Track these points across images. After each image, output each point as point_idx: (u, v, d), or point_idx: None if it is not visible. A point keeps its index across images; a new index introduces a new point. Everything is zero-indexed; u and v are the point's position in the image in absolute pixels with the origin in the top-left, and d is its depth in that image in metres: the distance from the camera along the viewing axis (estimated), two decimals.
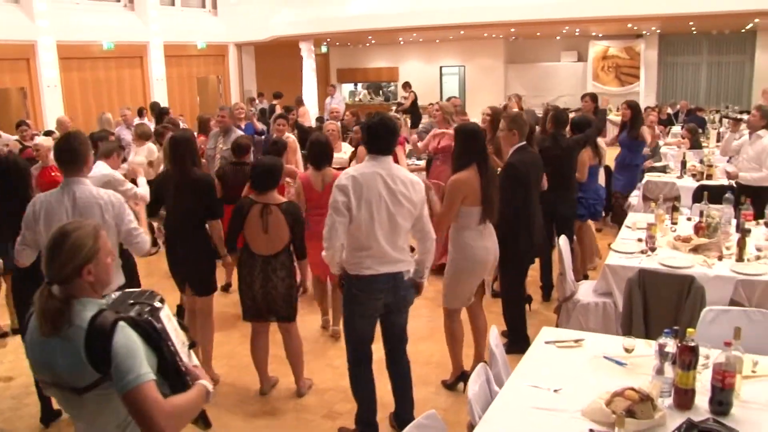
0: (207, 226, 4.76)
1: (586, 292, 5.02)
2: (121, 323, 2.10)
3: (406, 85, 17.45)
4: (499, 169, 5.02)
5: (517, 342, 4.93)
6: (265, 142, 8.19)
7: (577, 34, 19.01)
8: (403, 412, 4.08)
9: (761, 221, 5.50)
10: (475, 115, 8.32)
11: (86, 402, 2.15)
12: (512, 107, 9.19)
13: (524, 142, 5.03)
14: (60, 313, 2.10)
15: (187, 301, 5.01)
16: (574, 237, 6.45)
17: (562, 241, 5.04)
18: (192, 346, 2.45)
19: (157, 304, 2.25)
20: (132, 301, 2.24)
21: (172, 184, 4.70)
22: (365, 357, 3.98)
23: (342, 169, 4.73)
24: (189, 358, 2.40)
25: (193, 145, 4.85)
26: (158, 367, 2.16)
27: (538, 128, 6.40)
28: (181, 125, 11.33)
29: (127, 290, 2.37)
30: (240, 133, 7.62)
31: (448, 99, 8.93)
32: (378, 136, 3.76)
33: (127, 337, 2.09)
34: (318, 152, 5.25)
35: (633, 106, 7.84)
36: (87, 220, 2.34)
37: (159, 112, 10.23)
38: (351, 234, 3.72)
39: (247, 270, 4.49)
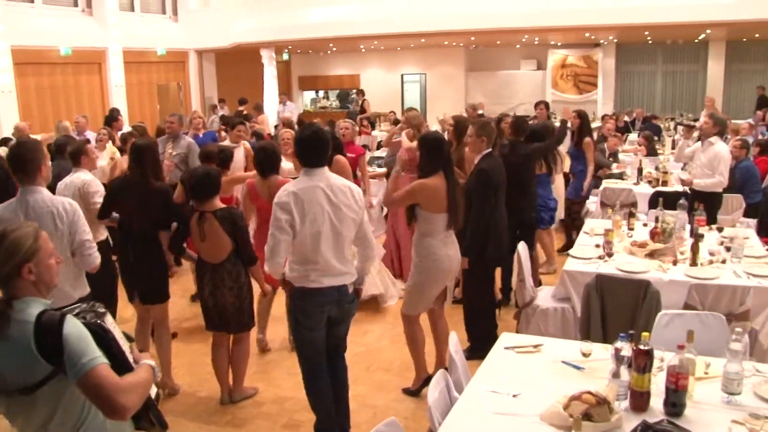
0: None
1: (545, 297, 5.09)
2: (70, 316, 2.14)
3: (360, 93, 17.36)
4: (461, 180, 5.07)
5: (482, 349, 4.96)
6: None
7: (536, 42, 19.26)
8: (339, 416, 4.05)
9: (714, 226, 5.64)
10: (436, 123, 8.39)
11: (38, 401, 2.15)
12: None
13: (491, 149, 5.10)
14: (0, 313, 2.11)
15: (137, 310, 4.92)
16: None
17: (521, 247, 5.10)
18: None
19: (101, 310, 2.32)
20: (77, 312, 2.27)
21: (129, 191, 4.64)
22: (319, 367, 3.93)
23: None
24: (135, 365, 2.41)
25: (154, 154, 4.79)
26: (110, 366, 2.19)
27: None
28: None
29: (67, 307, 2.35)
30: (190, 140, 7.62)
31: (408, 110, 8.99)
32: (311, 148, 3.70)
33: (77, 327, 2.13)
34: (263, 160, 5.06)
35: (582, 116, 7.91)
36: (28, 222, 2.34)
37: (109, 117, 9.92)
38: (296, 248, 3.67)
39: (199, 278, 4.51)
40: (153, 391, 2.38)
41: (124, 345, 2.34)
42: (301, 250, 3.65)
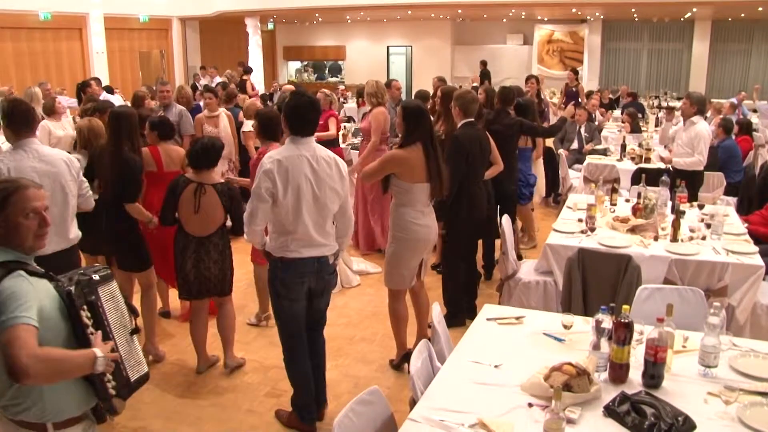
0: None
1: (527, 270, 5.12)
2: (20, 272, 2.11)
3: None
4: None
5: (453, 316, 5.04)
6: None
7: (523, 17, 19.20)
8: (317, 389, 4.05)
9: (695, 203, 5.70)
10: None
11: None
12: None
13: (471, 119, 5.14)
14: None
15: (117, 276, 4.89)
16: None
17: (505, 220, 5.12)
18: (134, 332, 2.43)
19: (96, 277, 2.28)
20: (76, 274, 2.27)
21: (103, 159, 4.62)
22: (300, 340, 3.91)
23: None
24: (129, 342, 2.38)
25: (129, 123, 4.64)
26: (73, 337, 2.21)
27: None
28: (120, 101, 10.98)
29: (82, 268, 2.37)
30: (181, 108, 7.57)
31: (391, 81, 8.87)
32: (301, 116, 3.65)
33: (17, 284, 2.09)
34: (266, 126, 4.91)
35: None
36: (24, 179, 2.35)
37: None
38: (276, 218, 3.64)
39: (180, 250, 4.41)
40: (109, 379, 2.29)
41: (118, 324, 2.33)
42: (281, 219, 3.62)
